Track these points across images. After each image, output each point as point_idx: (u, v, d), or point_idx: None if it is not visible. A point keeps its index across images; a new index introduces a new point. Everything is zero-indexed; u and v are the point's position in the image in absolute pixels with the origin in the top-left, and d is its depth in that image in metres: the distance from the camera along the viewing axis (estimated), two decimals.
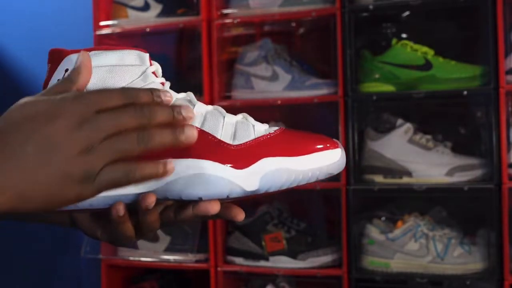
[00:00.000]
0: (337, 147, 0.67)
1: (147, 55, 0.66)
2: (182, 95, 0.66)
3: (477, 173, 1.72)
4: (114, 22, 2.04)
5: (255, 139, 0.65)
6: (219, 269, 1.90)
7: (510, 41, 1.68)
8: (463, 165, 1.73)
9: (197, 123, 0.64)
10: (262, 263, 1.87)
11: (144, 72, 0.65)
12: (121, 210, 0.62)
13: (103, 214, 0.65)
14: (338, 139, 1.78)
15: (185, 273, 2.11)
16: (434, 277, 1.71)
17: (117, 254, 2.06)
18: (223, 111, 0.67)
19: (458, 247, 1.71)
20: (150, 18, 2.01)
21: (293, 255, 1.84)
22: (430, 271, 1.71)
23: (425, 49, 1.77)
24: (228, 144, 0.63)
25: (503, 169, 1.65)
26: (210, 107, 0.67)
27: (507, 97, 1.67)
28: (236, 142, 0.64)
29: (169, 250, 1.97)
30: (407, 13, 1.88)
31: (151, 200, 0.61)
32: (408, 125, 1.78)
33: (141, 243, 1.98)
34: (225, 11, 1.93)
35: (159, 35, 2.14)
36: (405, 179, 1.76)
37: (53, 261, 2.41)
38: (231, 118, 0.66)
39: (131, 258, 2.02)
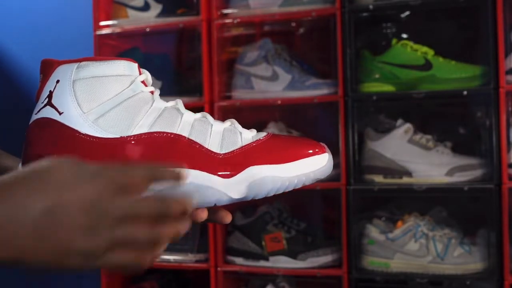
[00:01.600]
0: (324, 151, 0.68)
1: (135, 65, 0.67)
2: (171, 103, 0.68)
3: (477, 173, 1.72)
4: (114, 22, 2.04)
5: (242, 147, 0.66)
6: (219, 269, 1.90)
7: (510, 41, 1.68)
8: (463, 165, 1.73)
9: (185, 132, 0.65)
10: (262, 263, 1.87)
11: (133, 81, 0.66)
12: None
13: None
14: (338, 139, 1.78)
15: (185, 273, 2.11)
16: (434, 277, 1.71)
17: None
18: (211, 118, 0.68)
19: (458, 247, 1.71)
20: (150, 18, 2.01)
21: (293, 255, 1.84)
22: (430, 271, 1.71)
23: (425, 49, 1.77)
24: (215, 153, 0.65)
25: (503, 169, 1.65)
26: (198, 114, 0.68)
27: (507, 97, 1.67)
28: (224, 151, 0.65)
29: (169, 250, 1.96)
30: (407, 13, 1.88)
31: None
32: (408, 125, 1.78)
33: None
34: (225, 11, 1.93)
35: (159, 35, 2.14)
36: (405, 179, 1.76)
37: None
38: (218, 126, 0.67)
39: None
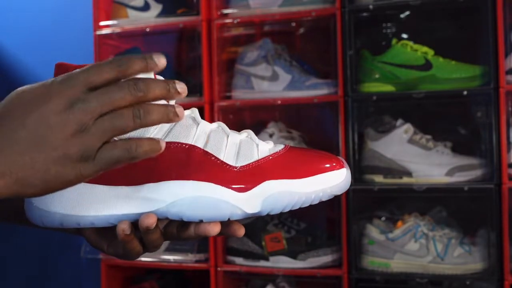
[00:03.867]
0: (342, 166, 0.66)
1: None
2: (186, 112, 0.65)
3: (477, 173, 1.72)
4: (114, 22, 2.04)
5: (258, 160, 0.64)
6: (219, 269, 1.90)
7: (510, 41, 1.68)
8: (463, 165, 1.73)
9: (200, 143, 0.63)
10: (262, 263, 1.87)
11: None
12: (126, 229, 0.61)
13: (109, 229, 0.65)
14: (338, 139, 1.78)
15: (185, 273, 2.11)
16: (434, 277, 1.71)
17: None
18: (227, 129, 0.66)
19: (458, 247, 1.71)
20: (150, 18, 2.01)
21: (293, 255, 1.84)
22: (430, 271, 1.71)
23: (425, 49, 1.77)
24: (230, 166, 0.63)
25: (503, 169, 1.65)
26: (214, 125, 0.66)
27: (507, 97, 1.67)
28: (239, 164, 0.63)
29: (169, 250, 1.96)
30: (407, 13, 1.88)
31: (152, 221, 0.61)
32: (408, 125, 1.78)
33: None
34: (225, 11, 1.93)
35: (159, 35, 2.14)
36: (405, 179, 1.76)
37: (53, 261, 2.41)
38: (234, 137, 0.65)
39: None
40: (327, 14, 1.82)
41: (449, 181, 1.72)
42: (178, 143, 0.63)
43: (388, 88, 1.78)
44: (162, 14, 2.00)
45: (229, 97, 1.94)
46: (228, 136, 0.65)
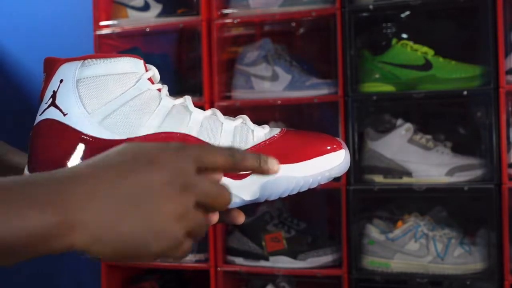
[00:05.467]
0: (340, 148, 0.65)
1: (141, 61, 0.65)
2: (179, 100, 0.65)
3: (477, 173, 1.72)
4: (114, 22, 2.04)
5: (254, 146, 0.63)
6: (219, 269, 1.90)
7: (510, 41, 1.68)
8: (463, 165, 1.73)
9: (194, 131, 0.63)
10: (262, 263, 1.87)
11: (139, 79, 0.64)
12: None
13: None
14: None
15: (185, 273, 2.11)
16: (434, 277, 1.71)
17: None
18: (221, 116, 0.65)
19: (458, 247, 1.71)
20: (150, 18, 2.01)
21: (293, 255, 1.84)
22: (430, 271, 1.71)
23: (425, 49, 1.77)
24: None
25: (503, 169, 1.65)
26: (208, 112, 0.65)
27: (507, 97, 1.67)
28: None
29: None
30: (407, 13, 1.88)
31: None
32: (408, 125, 1.78)
33: None
34: (225, 11, 1.93)
35: (159, 35, 2.14)
36: (405, 179, 1.76)
37: (53, 261, 2.41)
38: (229, 124, 0.65)
39: None
40: (327, 14, 1.82)
41: (449, 181, 1.72)
42: (171, 132, 0.62)
43: (388, 88, 1.78)
44: (162, 14, 2.00)
45: (229, 97, 1.94)
46: (222, 123, 0.64)
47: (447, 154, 1.75)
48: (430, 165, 1.75)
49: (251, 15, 1.92)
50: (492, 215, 1.66)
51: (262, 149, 0.63)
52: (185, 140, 0.62)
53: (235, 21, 1.93)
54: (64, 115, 0.62)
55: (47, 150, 0.63)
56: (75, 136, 0.62)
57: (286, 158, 0.62)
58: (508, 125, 1.69)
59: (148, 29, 1.99)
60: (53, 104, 0.63)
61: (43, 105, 0.64)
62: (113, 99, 0.62)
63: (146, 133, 0.62)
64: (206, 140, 0.63)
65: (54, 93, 0.63)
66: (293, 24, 2.04)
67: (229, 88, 1.95)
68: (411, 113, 1.86)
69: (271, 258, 1.86)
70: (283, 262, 1.85)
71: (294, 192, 0.63)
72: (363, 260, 1.77)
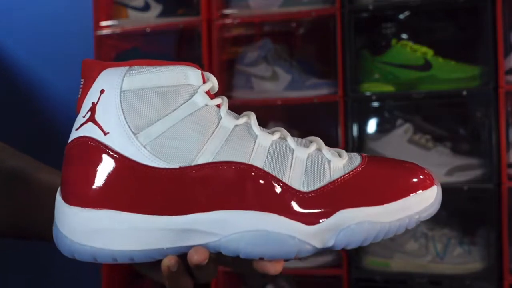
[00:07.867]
0: (433, 183, 0.54)
1: (198, 71, 0.56)
2: (242, 119, 0.55)
3: (476, 173, 1.72)
4: (114, 22, 2.04)
5: (331, 182, 0.52)
6: (219, 269, 1.90)
7: (510, 41, 1.69)
8: (462, 165, 1.73)
9: (259, 161, 0.52)
10: None
11: (195, 92, 0.54)
12: (173, 265, 0.52)
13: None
14: (338, 139, 1.78)
15: None
16: (434, 276, 1.71)
17: None
18: (290, 139, 0.55)
19: (458, 247, 1.71)
20: (150, 18, 2.01)
21: None
22: (429, 270, 1.71)
23: (424, 49, 1.78)
24: (297, 191, 0.52)
25: (502, 169, 1.65)
26: (275, 136, 0.55)
27: (507, 97, 1.67)
28: (308, 188, 0.52)
29: None
30: (407, 13, 1.88)
31: (203, 257, 0.52)
32: (408, 125, 1.79)
33: None
34: (225, 11, 1.94)
35: (159, 35, 2.14)
36: None
37: (53, 260, 2.41)
38: (301, 152, 0.54)
39: None
40: (327, 14, 1.82)
41: (448, 181, 1.72)
42: (232, 162, 0.52)
43: (388, 88, 1.78)
44: (162, 14, 2.00)
45: (229, 97, 1.94)
46: (293, 150, 0.54)
47: (447, 154, 1.75)
48: (430, 165, 1.73)
49: (251, 15, 1.93)
50: (491, 215, 1.66)
51: (341, 186, 0.52)
52: (250, 172, 0.52)
53: (235, 22, 1.93)
54: (105, 134, 0.52)
55: (82, 174, 0.53)
56: (117, 161, 0.52)
57: (371, 199, 0.52)
58: (507, 125, 1.69)
59: (148, 29, 1.99)
60: (92, 119, 0.53)
61: (80, 119, 0.54)
62: (162, 117, 0.53)
63: (201, 162, 0.52)
64: (273, 173, 0.52)
65: (94, 105, 0.53)
66: (293, 24, 2.04)
67: (229, 88, 1.95)
68: (410, 113, 1.86)
69: None
70: None
71: (377, 240, 0.53)
72: (363, 259, 1.78)
